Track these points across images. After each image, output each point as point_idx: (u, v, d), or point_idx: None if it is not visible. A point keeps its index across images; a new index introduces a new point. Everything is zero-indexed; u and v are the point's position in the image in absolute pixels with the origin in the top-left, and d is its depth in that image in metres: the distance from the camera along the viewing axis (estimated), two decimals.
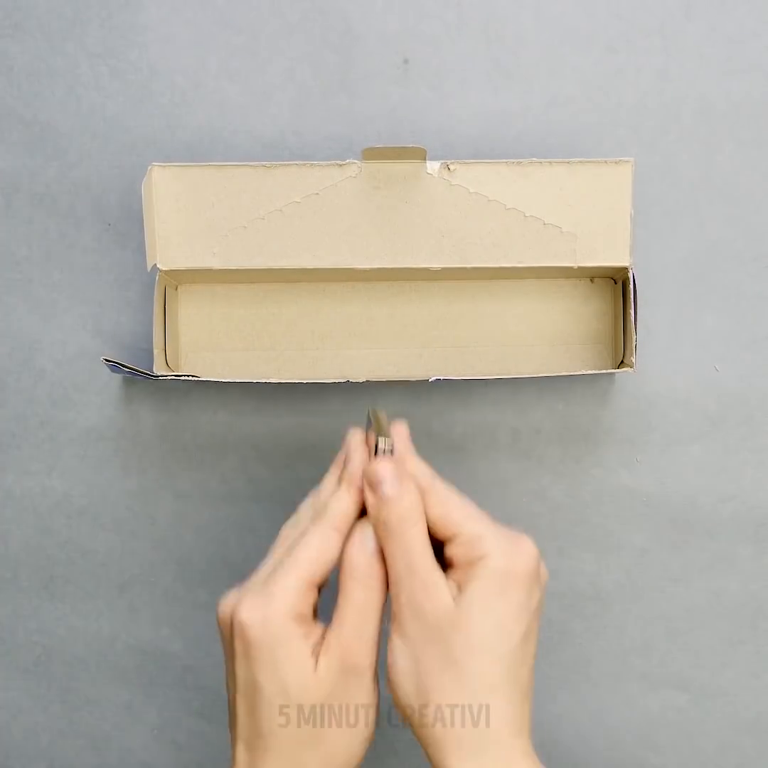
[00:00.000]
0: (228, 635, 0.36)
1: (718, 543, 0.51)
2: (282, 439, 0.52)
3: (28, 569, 0.53)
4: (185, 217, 0.47)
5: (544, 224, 0.46)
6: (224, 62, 0.52)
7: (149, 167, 0.46)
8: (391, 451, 0.38)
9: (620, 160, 0.46)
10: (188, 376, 0.47)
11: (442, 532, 0.37)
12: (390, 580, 0.36)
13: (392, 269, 0.47)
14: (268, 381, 0.46)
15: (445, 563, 0.37)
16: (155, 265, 0.47)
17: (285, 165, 0.46)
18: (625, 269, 0.47)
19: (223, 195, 0.47)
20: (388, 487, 0.36)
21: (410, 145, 0.45)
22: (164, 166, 0.47)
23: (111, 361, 0.46)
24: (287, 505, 0.53)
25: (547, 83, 0.51)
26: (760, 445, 0.51)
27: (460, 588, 0.36)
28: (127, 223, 0.52)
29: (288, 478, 0.52)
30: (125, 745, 0.54)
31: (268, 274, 0.49)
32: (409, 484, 0.37)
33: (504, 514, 0.52)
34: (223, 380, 0.47)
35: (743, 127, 0.50)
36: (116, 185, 0.52)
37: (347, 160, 0.46)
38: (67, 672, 0.54)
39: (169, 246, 0.47)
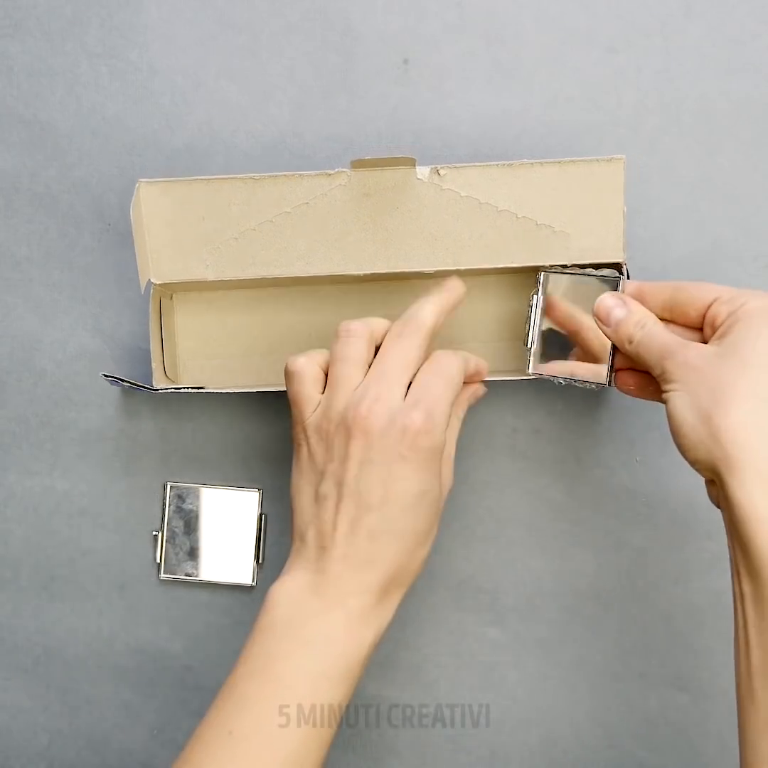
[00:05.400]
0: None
1: (717, 543, 0.51)
2: (282, 439, 0.52)
3: (28, 569, 0.53)
4: (176, 230, 0.47)
5: (537, 224, 0.46)
6: (224, 62, 0.52)
7: (137, 184, 0.46)
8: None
9: (612, 158, 0.46)
10: (187, 388, 0.47)
11: (702, 300, 0.41)
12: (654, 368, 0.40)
13: (386, 274, 0.47)
14: (267, 390, 0.47)
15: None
16: (149, 280, 0.47)
17: (273, 176, 0.46)
18: (619, 265, 0.47)
19: (212, 208, 0.46)
20: (618, 311, 0.42)
21: (398, 155, 0.45)
22: (152, 182, 0.46)
23: (110, 376, 0.46)
24: (287, 507, 0.53)
25: (547, 83, 0.51)
26: None
27: (725, 334, 0.39)
28: (127, 223, 0.52)
29: (288, 479, 0.52)
30: (125, 745, 0.54)
31: (262, 282, 0.49)
32: (632, 303, 0.43)
33: (504, 514, 0.52)
34: (222, 391, 0.47)
35: (743, 127, 0.50)
36: (116, 185, 0.52)
37: (336, 169, 0.46)
38: (67, 672, 0.54)
39: (162, 260, 0.47)
